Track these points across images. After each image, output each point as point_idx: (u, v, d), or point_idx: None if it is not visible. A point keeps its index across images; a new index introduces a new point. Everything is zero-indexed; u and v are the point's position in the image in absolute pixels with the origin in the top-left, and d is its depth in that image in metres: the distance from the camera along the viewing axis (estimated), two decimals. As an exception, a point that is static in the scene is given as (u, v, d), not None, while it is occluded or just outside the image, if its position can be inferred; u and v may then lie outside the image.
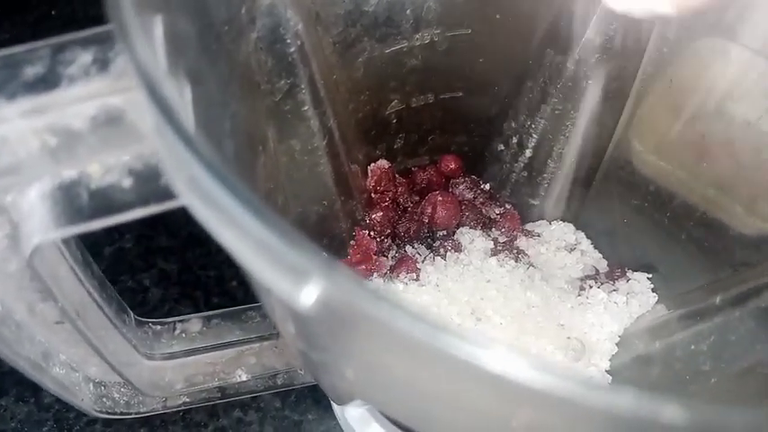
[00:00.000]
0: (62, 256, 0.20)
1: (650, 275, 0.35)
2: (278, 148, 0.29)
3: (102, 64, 0.15)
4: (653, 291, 0.35)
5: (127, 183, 0.16)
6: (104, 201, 0.16)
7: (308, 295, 0.10)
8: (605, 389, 0.09)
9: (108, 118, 0.15)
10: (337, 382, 0.18)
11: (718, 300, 0.27)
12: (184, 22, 0.19)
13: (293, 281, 0.10)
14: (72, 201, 0.16)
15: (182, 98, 0.17)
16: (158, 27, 0.16)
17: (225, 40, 0.22)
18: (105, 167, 0.16)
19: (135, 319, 0.29)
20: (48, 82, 0.15)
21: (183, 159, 0.11)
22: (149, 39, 0.14)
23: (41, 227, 0.16)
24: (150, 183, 0.16)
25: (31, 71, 0.15)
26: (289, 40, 0.25)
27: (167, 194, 0.15)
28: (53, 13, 0.58)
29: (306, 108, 0.28)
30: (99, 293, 0.24)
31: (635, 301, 0.34)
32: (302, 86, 0.27)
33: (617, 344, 0.33)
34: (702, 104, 0.32)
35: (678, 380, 0.29)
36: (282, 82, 0.27)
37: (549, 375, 0.09)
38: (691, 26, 0.30)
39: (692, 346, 0.28)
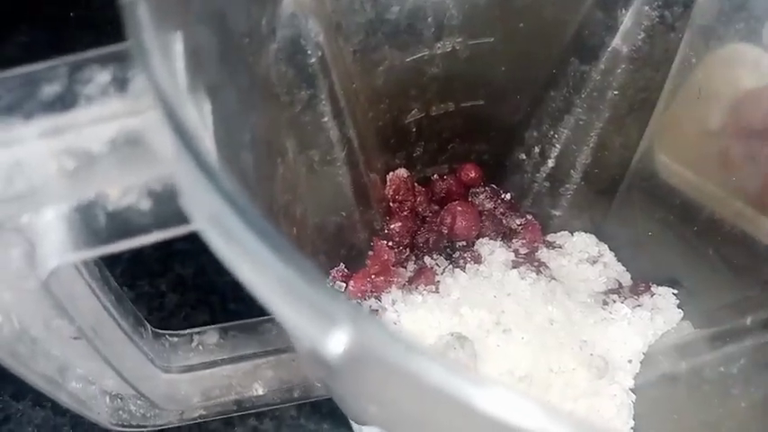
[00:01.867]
0: (79, 275, 0.20)
1: (675, 291, 0.34)
2: (297, 159, 0.28)
3: (121, 83, 0.15)
4: (678, 307, 0.34)
5: (145, 205, 0.16)
6: (122, 223, 0.16)
7: (337, 343, 0.09)
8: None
9: (127, 140, 0.15)
10: (357, 411, 0.17)
11: (749, 321, 0.27)
12: (204, 37, 0.18)
13: (321, 327, 0.09)
14: (89, 223, 0.16)
15: (201, 115, 0.17)
16: (178, 43, 0.15)
17: (245, 52, 0.21)
18: (123, 189, 0.16)
19: (152, 331, 0.28)
20: (65, 101, 0.15)
21: (202, 191, 0.10)
22: (168, 57, 0.14)
23: (58, 249, 0.16)
24: (169, 205, 0.15)
25: (48, 90, 0.15)
26: (309, 51, 0.25)
27: (187, 217, 0.15)
28: (71, 15, 0.58)
29: (326, 119, 0.28)
30: (116, 308, 0.24)
31: (660, 317, 0.33)
32: (322, 97, 0.27)
33: (641, 361, 0.32)
34: (731, 114, 0.31)
35: (706, 402, 0.28)
36: (302, 93, 0.26)
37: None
38: (721, 34, 0.29)
39: (721, 368, 0.27)
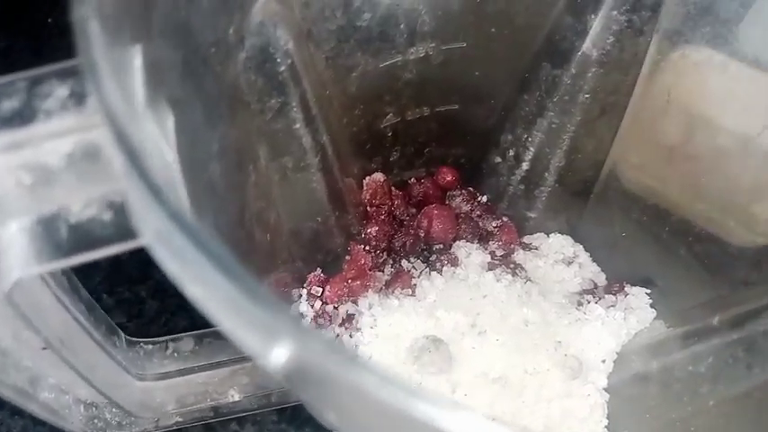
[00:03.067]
0: (46, 286, 0.20)
1: (649, 291, 0.35)
2: (270, 166, 0.29)
3: (79, 98, 0.15)
4: (651, 306, 0.34)
5: (107, 216, 0.16)
6: (84, 235, 0.16)
7: (278, 356, 0.09)
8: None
9: (85, 153, 0.15)
10: (321, 417, 0.17)
11: (716, 320, 0.27)
12: (167, 49, 0.18)
13: (263, 342, 0.10)
14: (52, 235, 0.16)
15: (163, 128, 0.17)
16: (137, 58, 0.15)
17: (212, 62, 0.22)
18: (85, 201, 0.16)
19: (126, 339, 0.28)
20: (24, 117, 0.15)
21: (150, 210, 0.11)
22: (123, 73, 0.14)
23: (20, 262, 0.16)
24: (131, 217, 0.15)
25: (6, 105, 0.15)
26: (279, 59, 0.25)
27: (146, 231, 0.15)
28: (49, 20, 0.58)
29: (297, 126, 0.28)
30: (87, 318, 0.24)
31: (633, 317, 0.34)
32: (293, 104, 0.27)
33: (615, 361, 0.33)
34: (699, 120, 0.31)
35: (676, 400, 0.28)
36: (273, 101, 0.26)
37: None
38: (688, 38, 0.29)
39: (690, 367, 0.28)
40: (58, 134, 0.15)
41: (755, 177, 0.31)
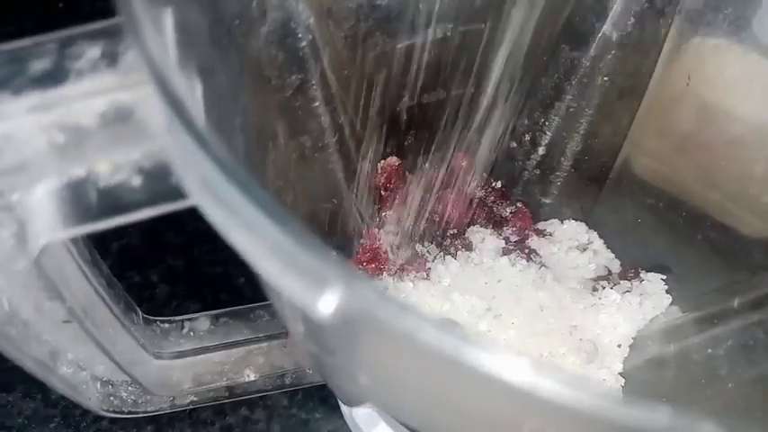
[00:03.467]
0: (70, 255, 0.20)
1: (664, 277, 0.35)
2: (288, 145, 0.28)
3: (111, 58, 0.15)
4: (667, 292, 0.34)
5: (136, 181, 0.16)
6: (113, 200, 0.16)
7: (327, 304, 0.09)
8: (637, 405, 0.09)
9: (117, 115, 0.15)
10: (349, 386, 0.17)
11: (735, 303, 0.27)
12: (195, 15, 0.18)
13: (312, 289, 0.10)
14: (80, 200, 0.16)
15: (192, 93, 0.17)
16: (168, 19, 0.15)
17: (235, 33, 0.21)
18: (114, 165, 0.16)
19: (143, 317, 0.28)
20: (55, 77, 0.15)
21: (194, 158, 0.10)
22: (160, 32, 0.14)
23: (49, 226, 0.16)
24: (160, 181, 0.15)
25: (37, 66, 0.15)
26: (300, 35, 0.25)
27: (178, 194, 0.15)
28: (60, 5, 0.58)
29: (317, 104, 0.28)
30: (107, 292, 0.23)
31: (648, 302, 0.34)
32: (313, 82, 0.27)
33: (630, 346, 0.32)
34: (715, 108, 0.31)
35: (693, 384, 0.28)
36: (293, 77, 0.26)
37: (578, 391, 0.08)
38: (710, 19, 0.29)
39: (709, 350, 0.27)
40: (90, 94, 0.15)
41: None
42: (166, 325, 0.29)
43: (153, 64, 0.11)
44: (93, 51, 0.15)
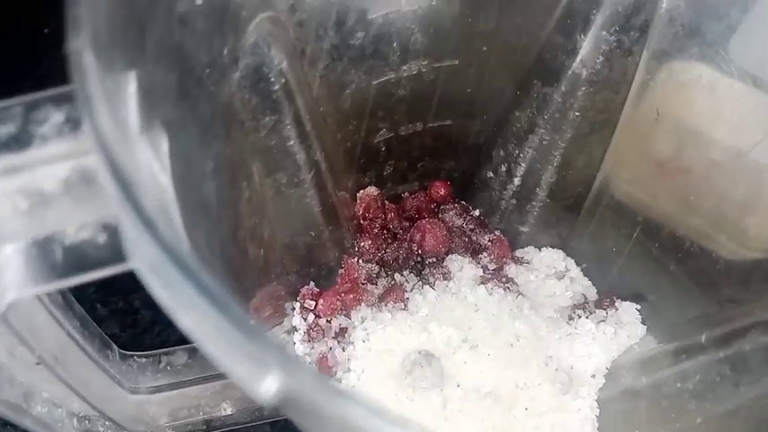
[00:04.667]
0: (40, 303, 0.20)
1: (639, 307, 0.35)
2: (264, 182, 0.29)
3: (75, 124, 0.15)
4: (642, 322, 0.35)
5: (101, 239, 0.16)
6: (79, 257, 0.16)
7: (268, 388, 0.10)
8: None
9: (80, 179, 0.15)
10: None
11: (703, 338, 0.27)
12: (162, 72, 0.19)
13: (254, 373, 0.10)
14: (47, 257, 0.16)
15: (158, 152, 0.17)
16: (131, 84, 0.16)
17: (206, 83, 0.22)
18: (80, 224, 0.16)
19: (119, 352, 0.29)
20: (20, 142, 0.15)
21: (142, 240, 0.11)
22: (118, 101, 0.14)
23: (16, 284, 0.16)
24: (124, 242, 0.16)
25: (3, 130, 0.15)
26: (273, 79, 0.25)
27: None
28: (46, 31, 0.58)
29: (291, 143, 0.28)
30: (81, 333, 0.24)
31: (623, 332, 0.34)
32: (287, 122, 0.27)
33: (605, 376, 0.33)
34: (690, 135, 0.32)
35: (665, 417, 0.29)
36: (267, 119, 0.27)
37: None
38: (676, 58, 0.29)
39: (678, 384, 0.28)
40: (53, 159, 0.15)
41: (747, 191, 0.31)
42: (143, 359, 0.29)
43: (103, 145, 0.12)
44: (58, 116, 0.15)
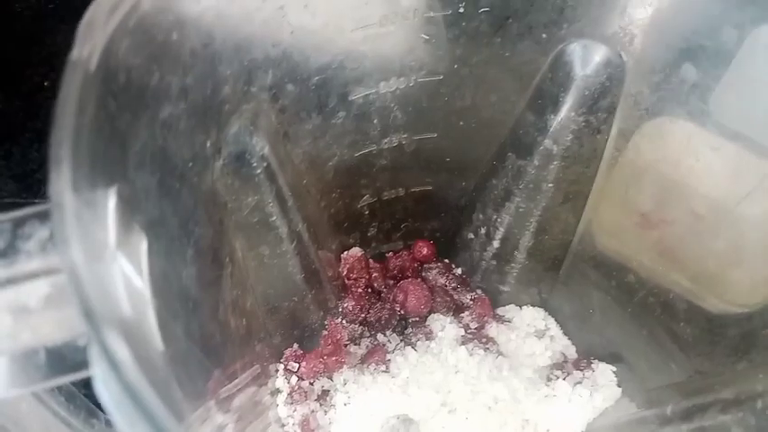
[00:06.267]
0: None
1: (615, 369, 0.36)
2: (247, 256, 0.30)
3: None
4: (618, 385, 0.36)
5: (82, 341, 0.17)
6: (61, 359, 0.17)
7: None
8: None
9: (61, 293, 0.16)
10: None
11: (669, 410, 0.28)
12: (145, 177, 0.20)
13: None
14: (30, 361, 0.17)
15: (137, 256, 0.18)
16: (111, 200, 0.17)
17: (189, 175, 0.23)
18: (61, 331, 0.17)
19: (105, 419, 0.29)
20: (7, 257, 0.16)
21: (97, 359, 0.12)
22: (94, 224, 0.15)
23: (1, 386, 0.17)
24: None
25: (-7, 245, 0.16)
26: (255, 164, 0.27)
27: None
28: (46, 84, 0.60)
29: (274, 218, 0.29)
30: (66, 409, 0.25)
31: (599, 394, 0.35)
32: (269, 201, 0.29)
33: (580, 440, 0.34)
34: (673, 187, 0.32)
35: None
36: (249, 199, 0.28)
37: None
38: (664, 107, 0.29)
39: (647, 454, 0.29)
40: (37, 275, 0.16)
41: (729, 244, 0.31)
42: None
43: (74, 280, 0.13)
44: (43, 232, 0.17)
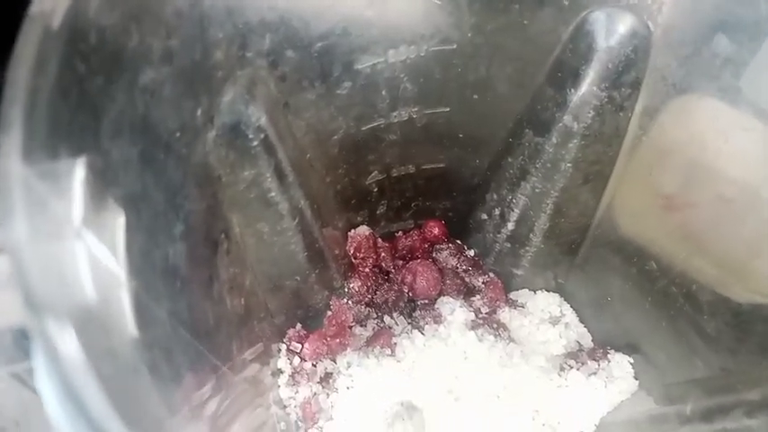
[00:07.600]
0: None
1: (632, 360, 0.34)
2: (244, 232, 0.29)
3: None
4: (635, 377, 0.34)
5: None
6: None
7: None
8: None
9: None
10: None
11: (688, 410, 0.26)
12: (122, 148, 0.18)
13: None
14: (-7, 340, 0.16)
15: (110, 233, 0.17)
16: (79, 171, 0.16)
17: (176, 147, 0.22)
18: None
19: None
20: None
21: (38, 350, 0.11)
22: (54, 199, 0.14)
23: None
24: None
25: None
26: (251, 135, 0.25)
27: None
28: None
29: (273, 194, 0.28)
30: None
31: (614, 386, 0.33)
32: (267, 175, 0.27)
33: (593, 432, 0.32)
34: (699, 170, 0.30)
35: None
36: (246, 173, 0.26)
37: None
38: (696, 85, 0.27)
39: (662, 453, 0.27)
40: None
41: (755, 231, 0.29)
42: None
43: (16, 263, 0.11)
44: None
